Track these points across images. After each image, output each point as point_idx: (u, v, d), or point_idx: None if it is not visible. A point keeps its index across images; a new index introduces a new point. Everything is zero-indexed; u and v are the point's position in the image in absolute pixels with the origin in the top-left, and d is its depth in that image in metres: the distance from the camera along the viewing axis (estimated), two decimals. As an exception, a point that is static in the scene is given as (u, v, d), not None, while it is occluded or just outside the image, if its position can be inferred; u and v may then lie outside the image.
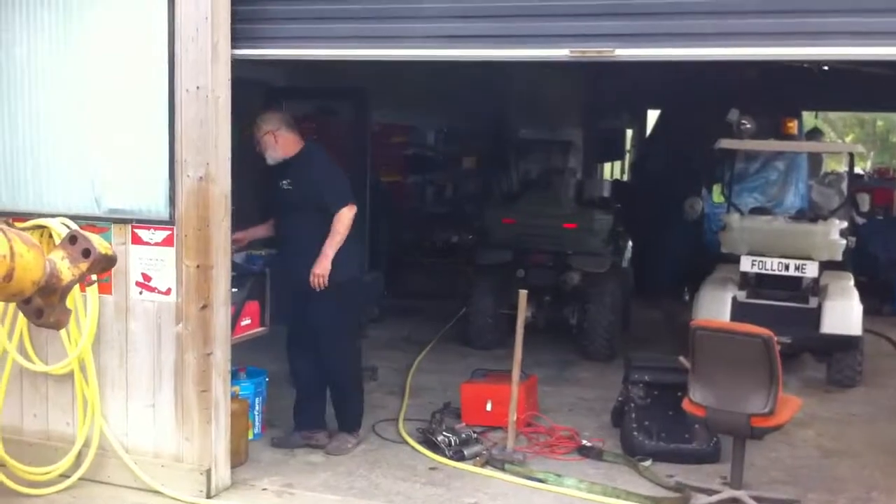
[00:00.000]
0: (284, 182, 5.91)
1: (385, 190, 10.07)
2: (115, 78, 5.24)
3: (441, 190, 12.34)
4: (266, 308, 6.02)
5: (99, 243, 2.17)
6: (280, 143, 5.90)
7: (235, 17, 4.97)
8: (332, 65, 5.63)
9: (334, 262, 5.78)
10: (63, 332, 5.25)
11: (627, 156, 14.27)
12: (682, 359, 5.46)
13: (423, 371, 8.16)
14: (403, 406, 7.07)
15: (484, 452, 5.99)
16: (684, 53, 4.48)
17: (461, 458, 5.92)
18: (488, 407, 6.53)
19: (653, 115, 13.90)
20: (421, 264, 11.12)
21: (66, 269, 2.03)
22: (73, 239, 2.09)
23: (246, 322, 5.82)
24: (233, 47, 4.99)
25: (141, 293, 5.23)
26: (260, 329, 6.01)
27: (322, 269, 5.75)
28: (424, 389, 7.58)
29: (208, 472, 5.24)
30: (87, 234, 2.12)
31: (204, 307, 5.15)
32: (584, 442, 6.25)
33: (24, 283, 1.92)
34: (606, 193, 10.06)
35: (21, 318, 5.30)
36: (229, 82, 5.03)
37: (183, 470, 5.26)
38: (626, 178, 14.56)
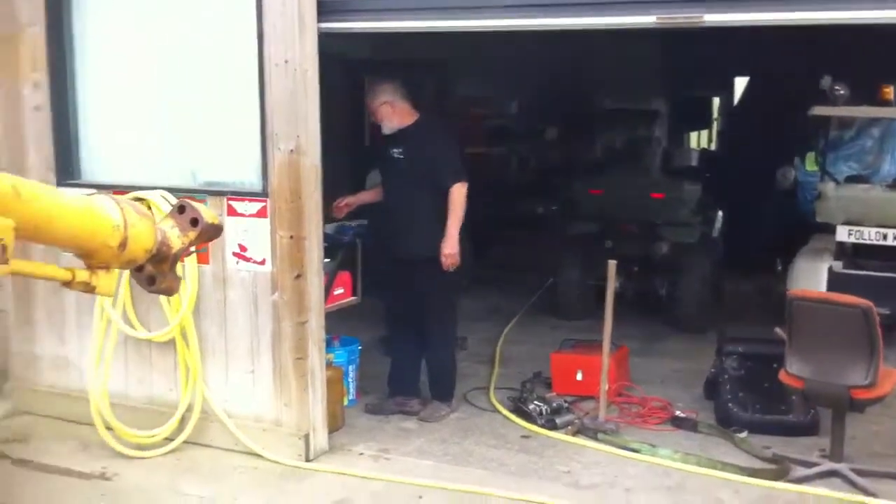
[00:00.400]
0: (396, 151, 5.97)
1: (469, 162, 10.06)
2: (207, 52, 5.37)
3: (525, 161, 12.27)
4: (357, 278, 6.11)
5: (206, 213, 2.24)
6: (396, 113, 5.97)
7: (319, -9, 5.01)
8: (413, 36, 5.65)
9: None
10: (164, 300, 5.43)
11: (714, 124, 14.01)
12: (778, 330, 5.37)
13: (512, 341, 8.18)
14: (494, 375, 7.12)
15: (576, 421, 6.00)
16: (775, 18, 4.36)
17: (553, 427, 5.94)
18: (578, 377, 6.54)
19: (740, 83, 13.60)
20: (506, 235, 11.11)
21: (175, 237, 2.11)
22: (181, 209, 2.17)
23: (338, 291, 5.93)
24: (319, 20, 5.03)
25: (237, 263, 5.36)
26: (352, 298, 6.12)
27: (451, 248, 5.82)
28: (513, 359, 7.61)
29: (307, 436, 5.37)
30: (194, 203, 2.19)
31: (298, 276, 5.25)
32: (678, 413, 6.21)
33: (136, 252, 2.01)
34: (695, 163, 9.87)
35: (125, 287, 5.50)
36: (317, 55, 5.08)
37: (282, 434, 5.40)
38: (713, 146, 14.28)
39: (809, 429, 5.88)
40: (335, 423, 5.78)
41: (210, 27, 5.34)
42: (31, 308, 6.04)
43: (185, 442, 5.53)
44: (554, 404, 6.17)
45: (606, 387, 6.01)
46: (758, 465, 5.40)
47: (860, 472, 5.12)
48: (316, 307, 5.35)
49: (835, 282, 7.39)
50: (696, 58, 10.46)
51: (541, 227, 10.74)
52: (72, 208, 1.90)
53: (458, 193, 5.84)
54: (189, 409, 5.50)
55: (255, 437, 5.43)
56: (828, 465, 5.19)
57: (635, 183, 8.64)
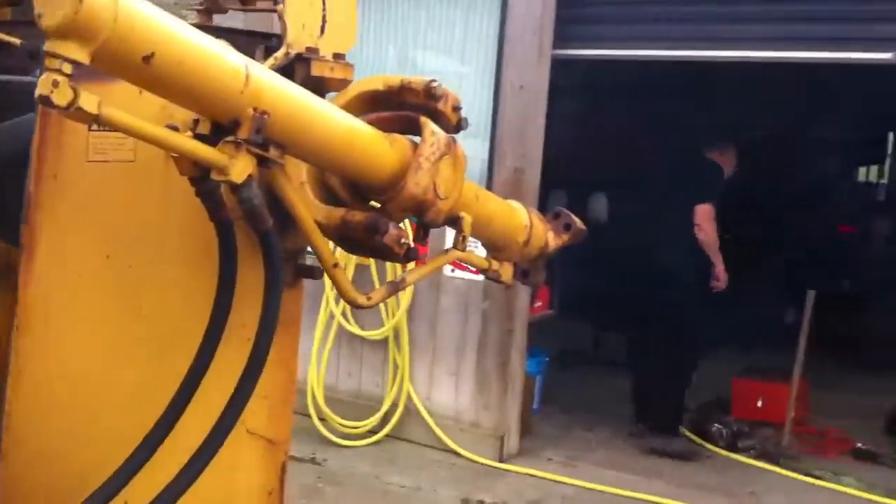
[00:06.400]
0: None
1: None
2: (450, 71, 5.73)
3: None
4: (555, 292, 6.41)
5: (576, 219, 2.50)
6: None
7: (559, 20, 5.35)
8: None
9: None
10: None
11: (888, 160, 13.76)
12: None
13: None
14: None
15: (757, 446, 6.13)
16: None
17: (734, 449, 6.08)
18: (759, 403, 6.64)
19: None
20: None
21: (552, 239, 2.41)
22: (556, 214, 2.47)
23: (537, 304, 6.23)
24: (555, 48, 5.38)
25: (453, 271, 5.73)
26: (548, 312, 6.42)
27: None
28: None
29: (502, 438, 5.69)
30: (567, 211, 2.49)
31: (508, 287, 5.57)
32: (859, 445, 6.25)
33: (533, 249, 2.34)
34: (883, 197, 9.78)
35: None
36: (548, 81, 5.42)
37: (479, 435, 5.74)
38: (884, 182, 13.98)
39: None
40: (524, 430, 6.07)
41: (457, 48, 5.73)
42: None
43: (387, 435, 5.92)
44: (735, 428, 6.30)
45: (792, 414, 6.12)
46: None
47: None
48: (521, 317, 5.69)
49: None
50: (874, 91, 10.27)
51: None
52: (503, 211, 2.27)
53: None
54: (393, 404, 5.90)
55: (453, 435, 5.79)
56: None
57: (826, 216, 8.61)
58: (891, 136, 13.47)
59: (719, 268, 6.11)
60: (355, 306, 2.03)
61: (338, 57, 2.04)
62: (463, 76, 5.64)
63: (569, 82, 6.19)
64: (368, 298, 2.01)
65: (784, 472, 5.81)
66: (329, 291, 5.88)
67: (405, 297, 5.78)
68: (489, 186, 5.51)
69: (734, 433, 6.22)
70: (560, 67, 5.46)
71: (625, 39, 5.27)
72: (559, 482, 5.52)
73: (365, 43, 5.92)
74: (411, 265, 2.13)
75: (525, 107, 5.36)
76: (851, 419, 6.91)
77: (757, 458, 6.01)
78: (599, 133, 8.93)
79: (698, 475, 5.72)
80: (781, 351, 6.66)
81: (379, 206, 1.93)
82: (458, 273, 5.71)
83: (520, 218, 2.31)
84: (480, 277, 5.64)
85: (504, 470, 5.66)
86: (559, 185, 7.83)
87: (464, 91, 5.56)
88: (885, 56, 4.67)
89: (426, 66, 5.72)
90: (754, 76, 8.69)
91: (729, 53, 5.07)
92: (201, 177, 1.64)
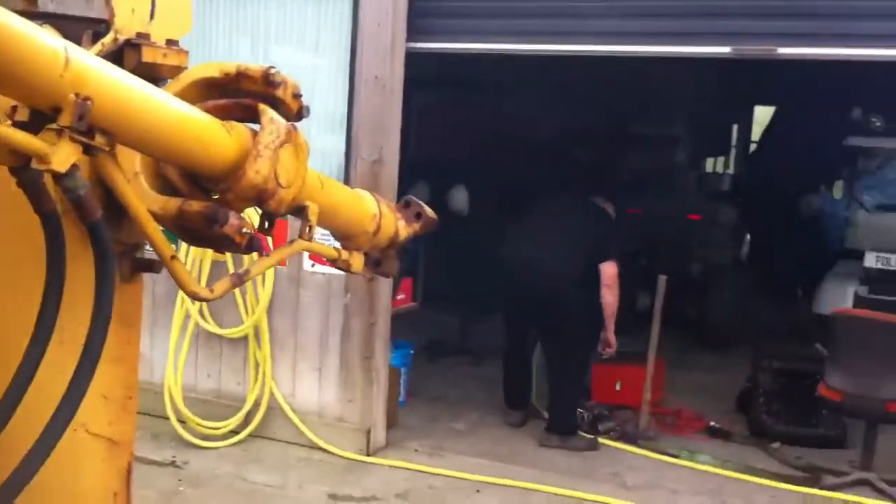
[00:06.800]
0: None
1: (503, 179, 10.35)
2: (304, 64, 5.63)
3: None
4: (419, 284, 6.44)
5: (426, 209, 2.49)
6: None
7: (411, 13, 5.37)
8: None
9: None
10: (240, 299, 5.75)
11: (732, 151, 14.42)
12: (818, 346, 5.71)
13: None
14: (534, 384, 7.41)
15: (616, 428, 6.32)
16: (847, 53, 4.71)
17: (595, 433, 6.25)
18: (617, 387, 6.85)
19: (758, 112, 13.99)
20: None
21: (402, 228, 2.40)
22: (407, 203, 2.46)
23: (400, 297, 6.24)
24: (408, 40, 5.39)
25: (313, 266, 5.67)
26: (412, 304, 6.43)
27: None
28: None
29: (368, 431, 5.68)
30: (418, 200, 2.48)
31: (370, 280, 5.56)
32: (712, 423, 6.53)
33: (383, 238, 2.32)
34: (727, 187, 10.24)
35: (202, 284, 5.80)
36: (403, 73, 5.42)
37: (345, 429, 5.71)
38: (729, 172, 14.65)
39: (838, 441, 6.21)
40: (390, 422, 6.08)
41: (311, 42, 5.63)
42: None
43: (251, 434, 5.81)
44: (595, 411, 6.48)
45: (649, 396, 6.33)
46: (791, 472, 5.74)
47: (889, 482, 5.44)
48: (384, 310, 5.67)
49: (860, 306, 7.71)
50: (717, 86, 10.79)
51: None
52: (350, 199, 2.24)
53: None
54: (256, 403, 5.79)
55: (319, 430, 5.73)
56: (858, 475, 5.53)
57: (673, 204, 8.95)
58: (735, 128, 14.20)
59: (610, 333, 6.19)
60: (197, 299, 1.97)
61: (171, 43, 1.97)
62: (318, 69, 5.57)
63: (429, 75, 6.21)
64: (211, 291, 1.95)
65: (643, 452, 6.01)
66: (186, 289, 5.70)
67: (265, 292, 5.69)
68: (347, 179, 5.50)
69: (595, 417, 6.39)
70: (418, 60, 5.47)
71: (476, 33, 5.32)
72: (426, 473, 5.54)
73: (216, 35, 5.79)
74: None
75: (381, 99, 5.35)
76: (703, 398, 7.24)
77: (617, 439, 6.20)
78: (462, 126, 9.05)
79: (562, 459, 5.85)
80: (636, 335, 6.88)
81: (219, 196, 1.88)
82: (319, 267, 5.66)
83: (368, 206, 2.30)
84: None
85: (371, 463, 5.64)
86: (422, 176, 7.91)
87: (319, 84, 5.55)
88: (724, 50, 4.88)
89: (279, 59, 5.61)
90: (603, 72, 9.02)
91: (575, 47, 5.18)
92: (22, 166, 1.56)
